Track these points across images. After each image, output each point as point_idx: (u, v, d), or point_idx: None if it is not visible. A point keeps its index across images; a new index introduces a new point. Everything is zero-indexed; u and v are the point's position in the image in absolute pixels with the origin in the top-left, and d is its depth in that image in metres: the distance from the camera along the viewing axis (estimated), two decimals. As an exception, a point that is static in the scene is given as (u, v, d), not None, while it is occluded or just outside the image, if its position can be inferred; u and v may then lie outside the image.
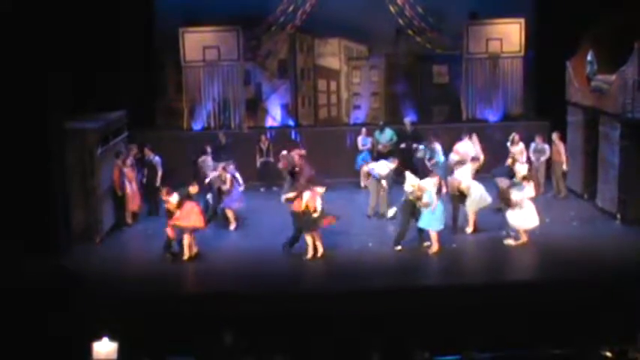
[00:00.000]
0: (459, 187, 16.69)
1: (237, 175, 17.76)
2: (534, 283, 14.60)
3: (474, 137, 19.63)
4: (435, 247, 15.66)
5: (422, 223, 15.68)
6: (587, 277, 14.34)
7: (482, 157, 19.06)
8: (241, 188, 17.82)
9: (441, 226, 15.77)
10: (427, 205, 15.50)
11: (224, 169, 17.63)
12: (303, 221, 15.51)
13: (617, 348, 10.41)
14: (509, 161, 17.84)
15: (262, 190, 20.75)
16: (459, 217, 17.04)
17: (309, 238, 15.59)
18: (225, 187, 17.37)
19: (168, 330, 12.49)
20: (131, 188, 18.05)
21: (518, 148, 19.46)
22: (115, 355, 8.95)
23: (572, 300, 13.25)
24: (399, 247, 15.93)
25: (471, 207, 16.74)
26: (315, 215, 15.42)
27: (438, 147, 19.80)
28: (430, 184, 15.76)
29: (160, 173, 18.86)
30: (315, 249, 15.63)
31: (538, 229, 16.36)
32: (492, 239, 16.42)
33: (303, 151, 19.54)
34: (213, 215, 17.70)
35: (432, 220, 15.61)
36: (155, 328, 12.52)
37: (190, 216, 15.51)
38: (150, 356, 10.39)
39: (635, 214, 17.17)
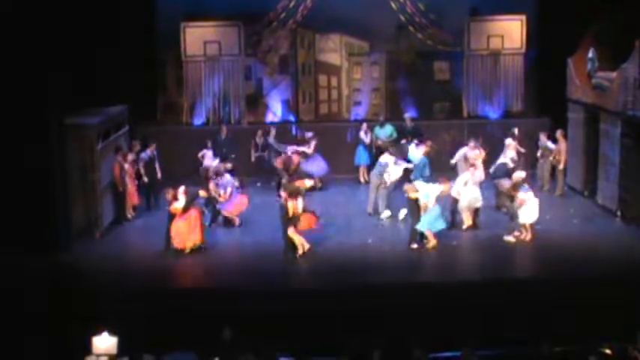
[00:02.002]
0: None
1: (234, 181, 17.70)
2: (534, 280, 14.59)
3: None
4: (431, 243, 15.65)
5: (421, 226, 15.66)
6: (587, 274, 14.34)
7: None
8: (239, 191, 17.80)
9: (441, 226, 15.73)
10: (425, 207, 15.55)
11: (216, 184, 17.44)
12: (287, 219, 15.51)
13: (617, 345, 10.42)
14: (507, 154, 17.98)
15: (259, 184, 20.71)
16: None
17: (294, 236, 15.45)
18: (221, 198, 17.37)
19: (168, 325, 12.49)
20: (131, 183, 18.05)
21: (507, 141, 19.39)
22: (114, 350, 8.98)
23: (572, 297, 13.26)
24: (415, 246, 15.86)
25: (462, 209, 16.73)
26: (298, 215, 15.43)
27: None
28: (430, 188, 15.81)
29: (157, 167, 18.90)
30: (302, 245, 15.51)
31: (538, 226, 16.38)
32: (492, 237, 16.41)
33: (301, 149, 20.08)
34: (214, 218, 17.69)
35: (426, 222, 15.60)
36: (155, 323, 12.52)
37: (190, 232, 15.65)
38: (149, 351, 10.39)
39: (635, 212, 17.13)
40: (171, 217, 15.77)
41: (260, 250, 15.95)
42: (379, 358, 10.15)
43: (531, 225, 16.07)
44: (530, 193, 15.99)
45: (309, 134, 20.85)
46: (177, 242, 15.68)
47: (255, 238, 16.68)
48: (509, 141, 19.16)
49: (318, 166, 20.58)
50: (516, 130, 19.73)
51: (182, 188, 15.82)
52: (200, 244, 15.82)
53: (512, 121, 21.54)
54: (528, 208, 15.92)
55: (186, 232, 15.64)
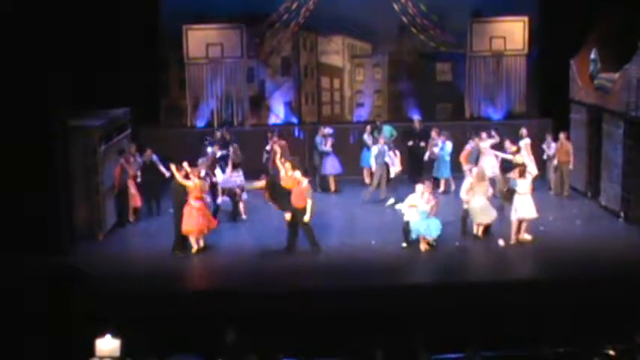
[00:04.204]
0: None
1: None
2: (538, 281, 14.58)
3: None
4: (422, 246, 15.80)
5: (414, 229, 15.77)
6: (591, 275, 14.33)
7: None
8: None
9: (433, 233, 15.73)
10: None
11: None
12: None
13: (621, 346, 10.40)
14: (512, 149, 18.08)
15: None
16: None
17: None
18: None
19: (172, 327, 12.48)
20: (133, 185, 18.02)
21: (525, 142, 19.45)
22: (118, 353, 8.96)
23: (574, 298, 13.24)
24: (405, 245, 15.95)
25: (474, 219, 16.43)
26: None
27: (440, 143, 20.00)
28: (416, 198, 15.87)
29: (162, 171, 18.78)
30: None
31: (541, 227, 16.41)
32: (495, 238, 16.38)
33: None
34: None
35: (421, 228, 15.70)
36: (159, 325, 12.51)
37: (195, 219, 15.69)
38: (153, 354, 10.38)
39: (639, 213, 17.14)
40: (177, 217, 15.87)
41: (262, 250, 15.95)
42: (382, 358, 10.15)
43: (521, 224, 16.02)
44: (523, 184, 15.92)
45: (329, 130, 20.77)
46: (187, 229, 15.72)
47: (257, 239, 16.67)
48: (525, 142, 19.31)
49: (331, 165, 20.63)
50: (525, 130, 19.74)
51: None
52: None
53: (514, 123, 21.58)
54: (520, 204, 15.86)
55: (192, 217, 15.66)
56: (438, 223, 15.80)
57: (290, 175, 16.01)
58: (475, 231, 16.41)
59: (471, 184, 16.29)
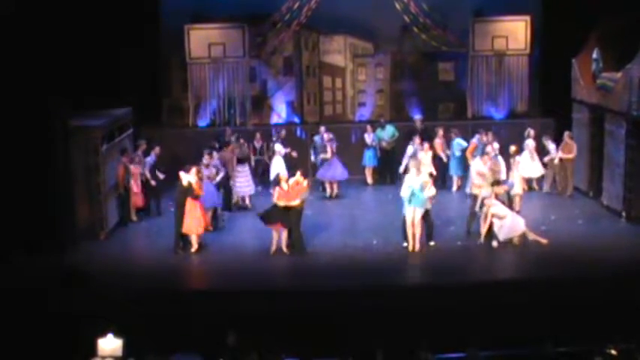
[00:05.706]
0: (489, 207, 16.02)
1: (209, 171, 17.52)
2: (539, 280, 14.56)
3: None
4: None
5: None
6: (592, 274, 14.32)
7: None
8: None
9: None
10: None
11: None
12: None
13: (623, 346, 10.40)
14: (512, 149, 18.11)
15: (259, 188, 20.43)
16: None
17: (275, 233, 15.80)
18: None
19: (173, 327, 12.50)
20: (136, 185, 18.03)
21: (531, 144, 19.49)
22: (120, 352, 8.96)
23: (576, 297, 13.25)
24: (405, 244, 15.93)
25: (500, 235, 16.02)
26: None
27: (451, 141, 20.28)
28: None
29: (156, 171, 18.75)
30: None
31: (543, 227, 16.38)
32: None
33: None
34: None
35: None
36: (160, 324, 12.54)
37: (193, 221, 15.78)
38: (155, 353, 10.40)
39: (641, 213, 17.17)
40: (179, 217, 15.89)
41: (263, 250, 15.95)
42: (382, 358, 10.16)
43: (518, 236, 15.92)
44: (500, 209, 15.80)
45: (324, 133, 20.46)
46: (186, 229, 15.81)
47: (258, 239, 16.66)
48: (529, 142, 19.36)
49: (336, 171, 20.11)
50: (532, 131, 19.79)
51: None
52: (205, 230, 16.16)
53: (516, 122, 21.60)
54: (506, 222, 15.77)
55: (191, 217, 15.74)
56: None
57: (279, 196, 15.73)
58: (481, 228, 16.16)
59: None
